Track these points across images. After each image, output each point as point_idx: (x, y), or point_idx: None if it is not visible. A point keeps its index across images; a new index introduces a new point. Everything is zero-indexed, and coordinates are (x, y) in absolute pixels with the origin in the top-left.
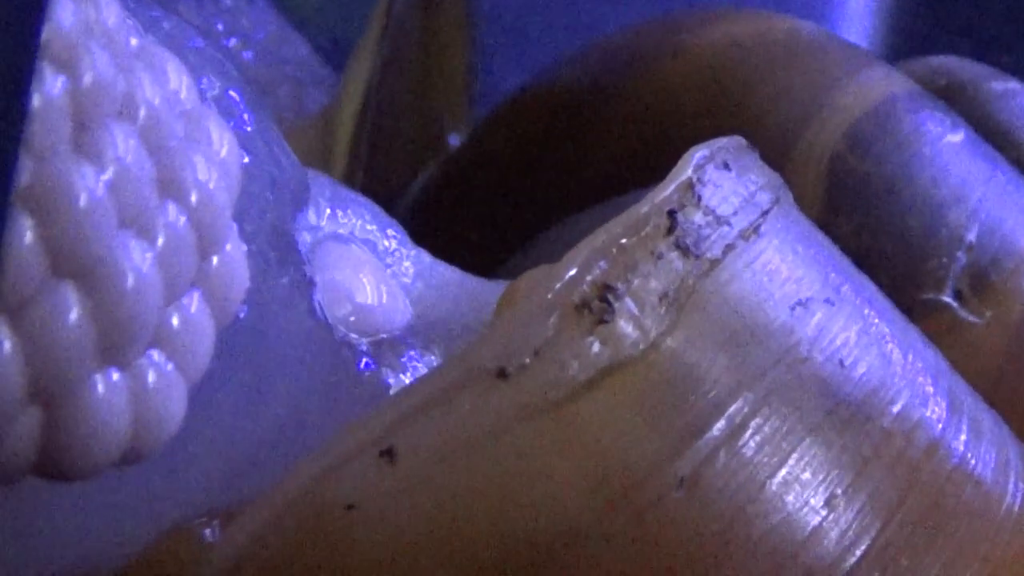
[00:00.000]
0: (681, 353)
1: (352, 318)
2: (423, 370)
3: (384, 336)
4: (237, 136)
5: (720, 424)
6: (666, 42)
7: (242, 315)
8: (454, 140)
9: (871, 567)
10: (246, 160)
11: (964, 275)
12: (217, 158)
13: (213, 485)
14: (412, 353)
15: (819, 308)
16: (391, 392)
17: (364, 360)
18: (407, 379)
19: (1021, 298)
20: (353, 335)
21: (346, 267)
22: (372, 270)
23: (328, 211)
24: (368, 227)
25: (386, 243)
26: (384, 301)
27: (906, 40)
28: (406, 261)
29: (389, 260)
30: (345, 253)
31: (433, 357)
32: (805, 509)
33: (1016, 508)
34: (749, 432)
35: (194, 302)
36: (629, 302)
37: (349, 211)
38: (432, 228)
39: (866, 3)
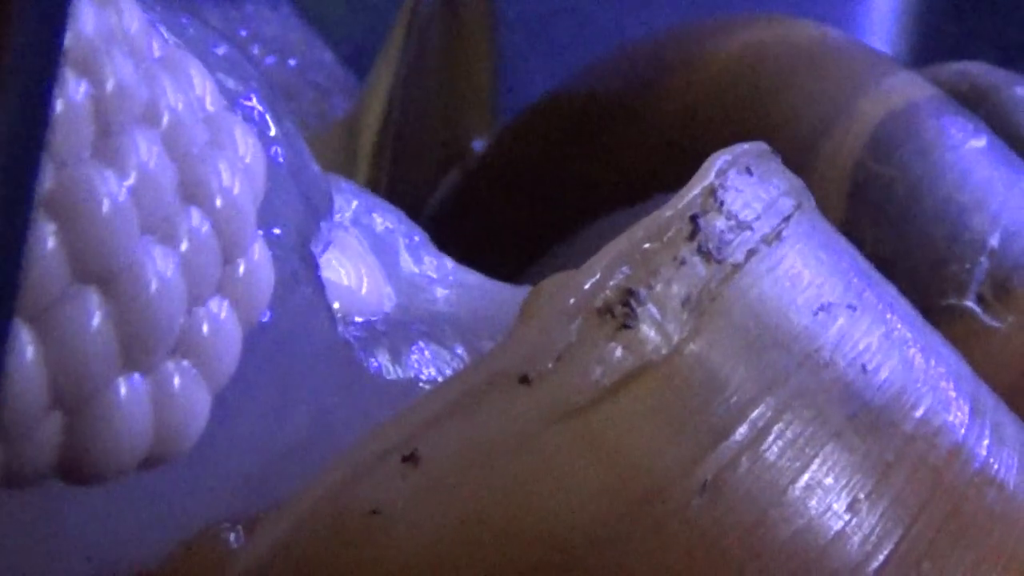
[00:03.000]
0: (704, 358)
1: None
2: (441, 366)
3: (363, 320)
4: (261, 142)
5: (743, 429)
6: (690, 49)
7: (266, 320)
8: (478, 146)
9: (894, 571)
10: (271, 166)
11: (986, 280)
12: (241, 164)
13: (237, 490)
14: (427, 351)
15: (841, 313)
16: (413, 394)
17: (377, 362)
18: (425, 376)
19: None
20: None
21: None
22: (353, 254)
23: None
24: (389, 225)
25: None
26: (364, 285)
27: (930, 45)
28: (429, 266)
29: (414, 266)
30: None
31: (456, 357)
32: (828, 514)
33: None
34: (772, 437)
35: (219, 307)
36: (652, 307)
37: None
38: (456, 234)
39: (890, 8)
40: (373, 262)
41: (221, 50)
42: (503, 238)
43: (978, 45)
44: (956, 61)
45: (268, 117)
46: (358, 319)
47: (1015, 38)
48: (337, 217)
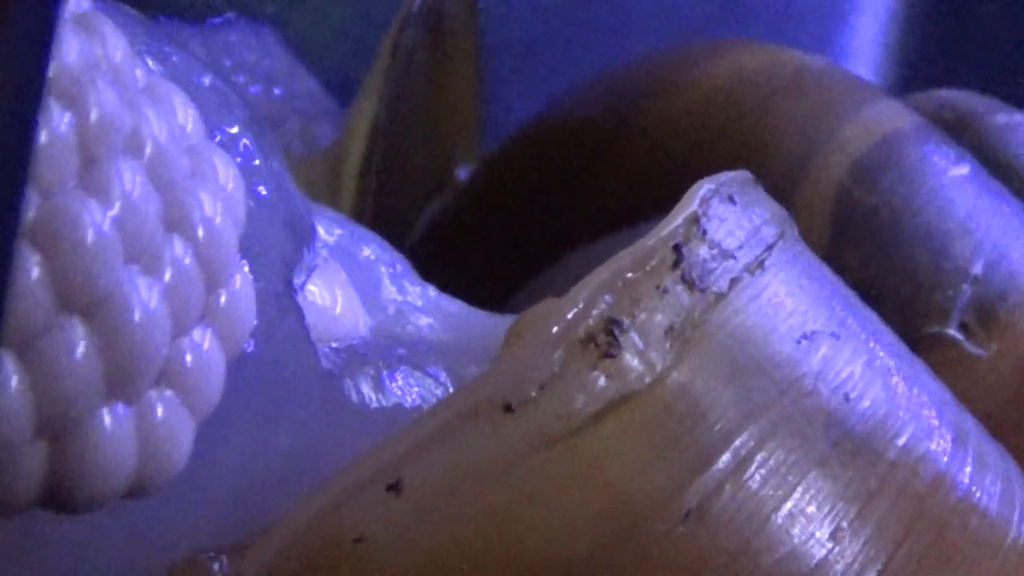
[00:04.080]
0: (687, 386)
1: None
2: (424, 393)
3: (340, 345)
4: (244, 172)
5: (726, 457)
6: (672, 75)
7: (250, 349)
8: (463, 173)
9: None
10: (255, 196)
11: (970, 308)
12: (223, 193)
13: (221, 519)
14: (410, 378)
15: (824, 341)
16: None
17: (359, 390)
18: (408, 403)
19: None
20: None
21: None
22: (329, 277)
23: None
24: (371, 255)
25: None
26: (339, 306)
27: (914, 72)
28: (412, 295)
29: (397, 294)
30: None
31: (439, 384)
32: (811, 542)
33: (1021, 540)
34: (755, 465)
35: (202, 337)
36: (635, 336)
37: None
38: (441, 261)
39: (874, 35)
40: (347, 285)
41: (206, 80)
42: (487, 266)
43: (962, 71)
44: (939, 88)
45: (252, 147)
46: (334, 344)
47: (999, 64)
48: (319, 245)
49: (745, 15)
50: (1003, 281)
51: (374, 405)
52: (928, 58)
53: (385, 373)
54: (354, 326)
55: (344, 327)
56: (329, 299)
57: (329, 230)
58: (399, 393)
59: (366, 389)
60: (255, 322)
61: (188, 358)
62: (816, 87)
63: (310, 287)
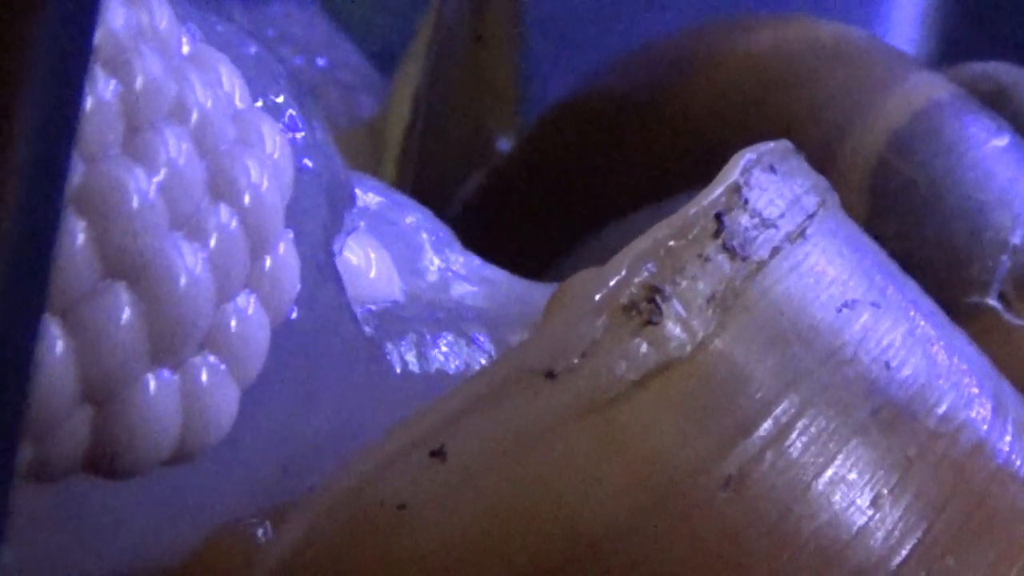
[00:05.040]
0: (728, 354)
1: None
2: (467, 359)
3: (375, 307)
4: (289, 140)
5: (767, 424)
6: (713, 48)
7: (293, 316)
8: (503, 145)
9: (917, 567)
10: (298, 165)
11: (1008, 278)
12: (269, 160)
13: (264, 484)
14: (453, 344)
15: (865, 310)
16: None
17: (402, 357)
18: (451, 369)
19: None
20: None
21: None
22: (362, 239)
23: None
24: (415, 222)
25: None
26: (373, 271)
27: (953, 46)
28: (455, 263)
29: (441, 262)
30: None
31: (482, 351)
32: (851, 509)
33: None
34: (795, 432)
35: (247, 303)
36: (676, 304)
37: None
38: (482, 232)
39: (913, 10)
40: (380, 247)
41: (250, 49)
42: (529, 236)
43: (1000, 46)
44: (978, 60)
45: (296, 115)
46: (372, 307)
47: None
48: (357, 212)
49: None
50: None
51: (417, 371)
52: (966, 31)
53: (429, 338)
54: (389, 288)
55: (379, 289)
56: (364, 261)
57: (372, 199)
58: (442, 360)
59: (409, 356)
60: (299, 289)
61: (232, 324)
62: (855, 59)
63: (345, 250)
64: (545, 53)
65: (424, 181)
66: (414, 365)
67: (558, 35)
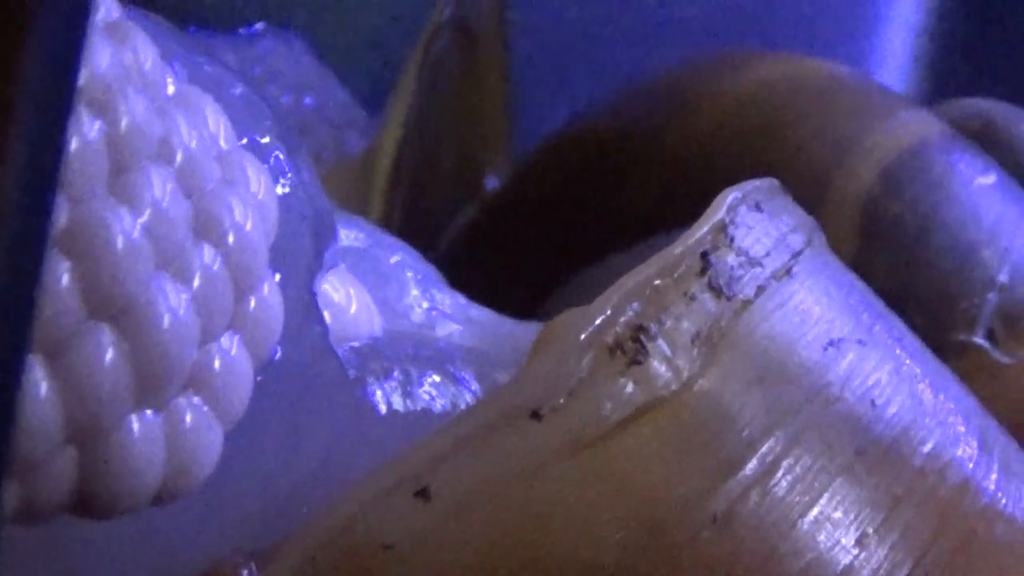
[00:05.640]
0: (714, 393)
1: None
2: (453, 399)
3: (357, 345)
4: (274, 181)
5: (753, 463)
6: (702, 85)
7: (276, 356)
8: (492, 182)
9: None
10: (284, 205)
11: (996, 316)
12: (254, 200)
13: (249, 525)
14: (439, 383)
15: (851, 348)
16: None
17: (386, 396)
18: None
19: None
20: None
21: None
22: (342, 276)
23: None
24: (400, 262)
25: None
26: (354, 308)
27: (943, 82)
28: (440, 302)
29: (426, 302)
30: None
31: (468, 391)
32: (837, 548)
33: None
34: (781, 471)
35: (230, 343)
36: (662, 343)
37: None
38: (470, 270)
39: (903, 46)
40: (359, 284)
41: (237, 89)
42: (516, 275)
43: (990, 82)
44: (968, 98)
45: (282, 157)
46: (354, 344)
47: None
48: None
49: (774, 26)
50: None
51: (402, 411)
52: (956, 68)
53: (414, 376)
54: (370, 325)
55: (360, 326)
56: (344, 298)
57: (356, 237)
58: (427, 399)
59: (394, 395)
60: (282, 329)
61: (216, 364)
62: (844, 96)
63: (324, 286)
64: (534, 88)
65: (413, 217)
66: (399, 404)
67: (547, 70)
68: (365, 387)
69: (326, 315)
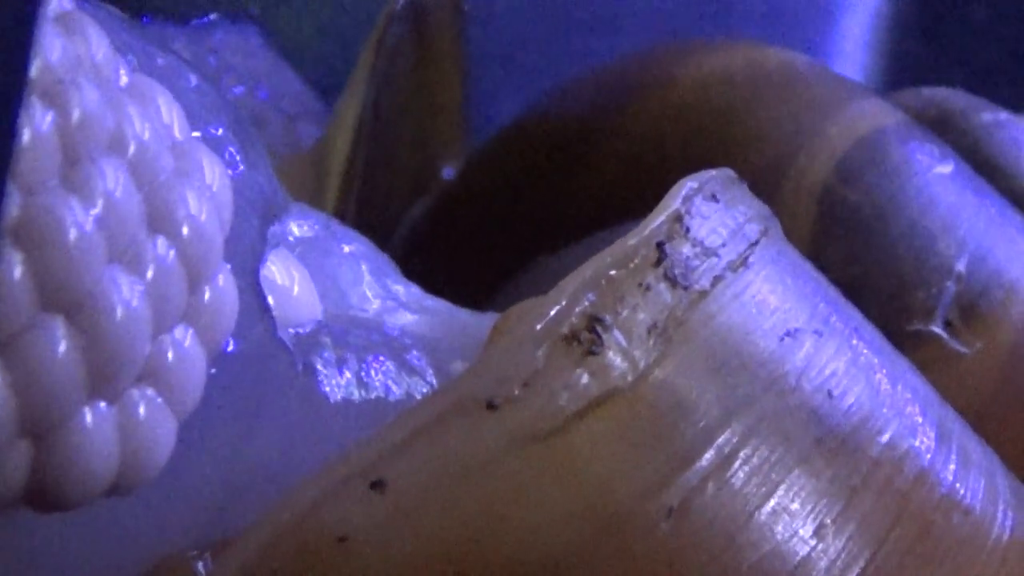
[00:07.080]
0: (670, 384)
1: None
2: (408, 388)
3: (301, 330)
4: (228, 172)
5: (709, 454)
6: (657, 73)
7: (229, 348)
8: (448, 173)
9: None
10: (238, 197)
11: (953, 305)
12: (208, 192)
13: (203, 517)
14: (392, 372)
15: (808, 338)
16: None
17: (340, 387)
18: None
19: (1010, 328)
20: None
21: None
22: (282, 257)
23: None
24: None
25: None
26: (296, 290)
27: (901, 70)
28: (395, 293)
29: (381, 291)
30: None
31: (424, 382)
32: (794, 539)
33: (1005, 536)
34: (738, 462)
35: (184, 335)
36: (617, 334)
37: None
38: (425, 260)
39: (862, 33)
40: (301, 266)
41: (191, 81)
42: (472, 265)
43: (949, 70)
44: (926, 86)
45: (236, 148)
46: (298, 329)
47: (985, 63)
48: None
49: (731, 15)
50: (987, 278)
51: (356, 400)
52: (914, 57)
53: (369, 365)
54: (312, 308)
55: (302, 309)
56: (287, 279)
57: (311, 228)
58: (381, 389)
59: (348, 384)
60: (236, 320)
61: (170, 356)
62: (799, 85)
63: (268, 268)
64: (490, 79)
65: (367, 209)
66: (353, 394)
67: (503, 61)
68: (317, 377)
69: (270, 299)
